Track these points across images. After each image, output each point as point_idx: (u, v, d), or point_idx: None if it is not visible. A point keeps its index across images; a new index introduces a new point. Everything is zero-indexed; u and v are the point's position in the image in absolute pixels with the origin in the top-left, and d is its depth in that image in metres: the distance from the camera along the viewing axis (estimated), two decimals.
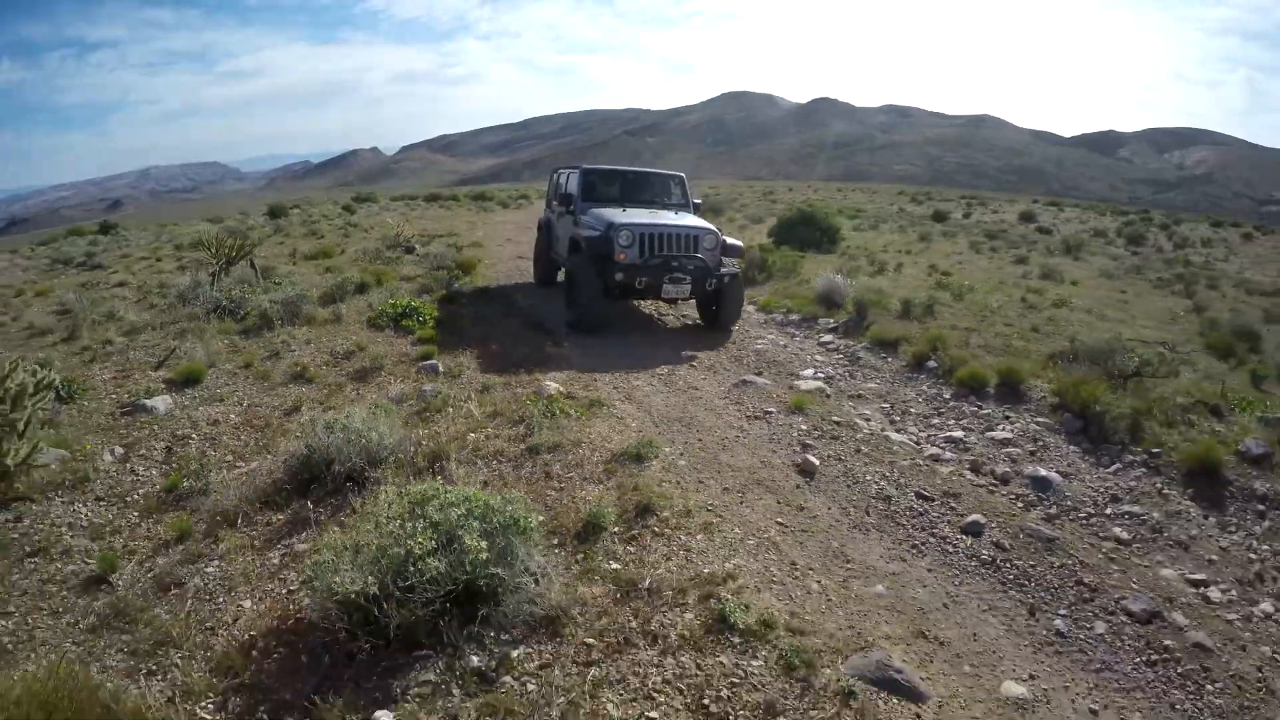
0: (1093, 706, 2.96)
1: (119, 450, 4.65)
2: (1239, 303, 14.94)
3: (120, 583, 3.30)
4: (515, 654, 2.56)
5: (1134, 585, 3.83)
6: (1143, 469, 5.19)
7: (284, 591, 3.04)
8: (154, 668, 2.76)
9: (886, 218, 31.44)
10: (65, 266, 17.43)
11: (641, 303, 9.25)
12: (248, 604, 3.01)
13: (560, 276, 9.94)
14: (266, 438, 4.73)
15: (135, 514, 3.91)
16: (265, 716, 2.41)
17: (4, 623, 3.19)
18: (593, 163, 11.25)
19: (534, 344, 7.13)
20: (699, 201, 9.81)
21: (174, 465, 4.37)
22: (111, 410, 5.36)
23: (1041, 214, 43.48)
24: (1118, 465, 5.24)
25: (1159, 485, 4.99)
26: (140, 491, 4.14)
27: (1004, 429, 5.49)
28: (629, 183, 9.52)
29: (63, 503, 4.10)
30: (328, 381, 5.86)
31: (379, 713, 2.32)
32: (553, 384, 5.51)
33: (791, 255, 12.67)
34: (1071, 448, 5.33)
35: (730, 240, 8.45)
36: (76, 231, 30.99)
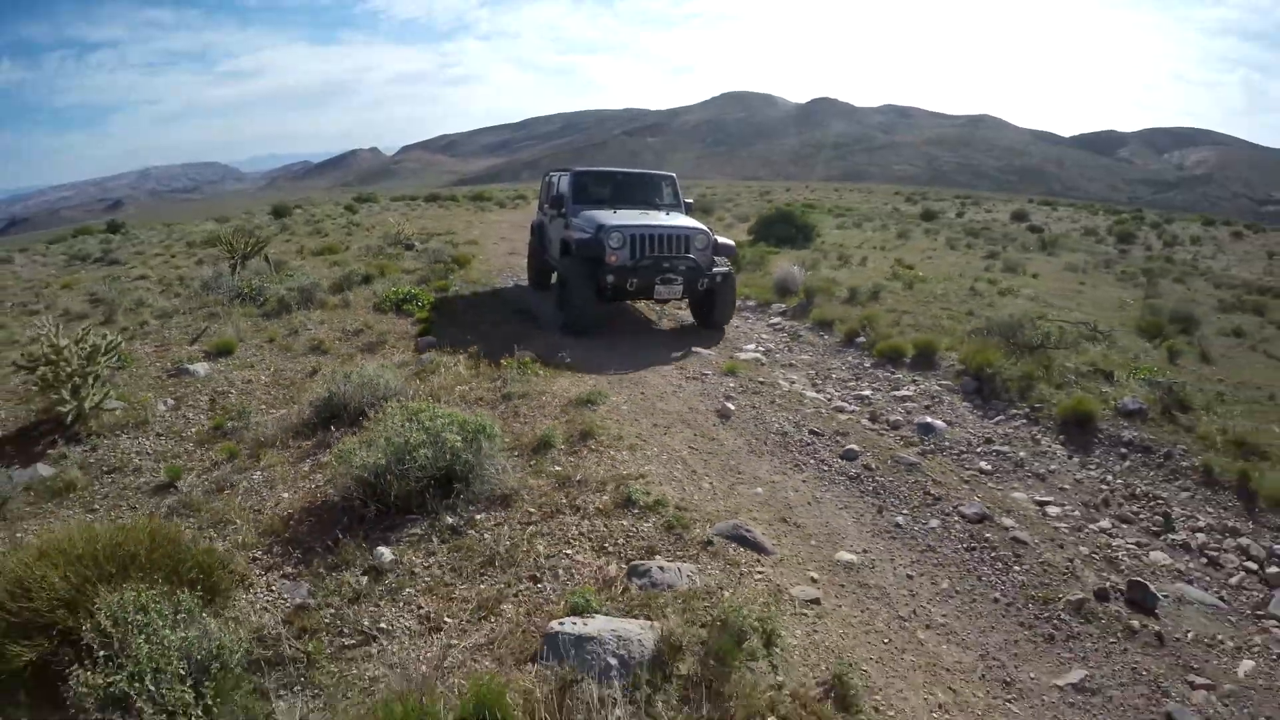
0: (909, 573, 3.98)
1: (170, 401, 5.71)
2: (1201, 295, 15.76)
3: (184, 487, 4.35)
4: (479, 517, 3.62)
5: (976, 498, 4.84)
6: (1023, 420, 6.18)
7: (313, 486, 4.10)
8: (215, 535, 3.81)
9: (875, 216, 32.41)
10: (83, 263, 18.53)
11: (635, 303, 9.48)
12: (286, 495, 4.08)
13: (554, 279, 9.90)
14: (293, 393, 5.79)
15: (190, 444, 4.98)
16: (299, 554, 3.47)
17: (92, 516, 4.25)
18: (588, 164, 11.42)
19: (517, 325, 8.18)
20: (690, 202, 9.95)
21: (218, 411, 5.44)
22: (158, 374, 6.43)
23: (1035, 213, 44.21)
24: (1001, 417, 6.25)
25: (1034, 433, 5.96)
26: (192, 429, 5.20)
27: (908, 389, 6.54)
28: (620, 184, 9.55)
29: (129, 438, 5.16)
30: (341, 352, 6.93)
31: (380, 549, 3.37)
32: (528, 354, 6.56)
33: (763, 250, 13.71)
34: (964, 404, 6.34)
35: (722, 240, 8.51)
36: (84, 231, 32.12)
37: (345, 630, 2.91)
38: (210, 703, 2.28)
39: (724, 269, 8.29)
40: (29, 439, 5.19)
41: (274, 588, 3.26)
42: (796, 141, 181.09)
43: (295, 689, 2.56)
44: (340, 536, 3.44)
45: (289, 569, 3.38)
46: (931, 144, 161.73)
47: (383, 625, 2.93)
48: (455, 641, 2.80)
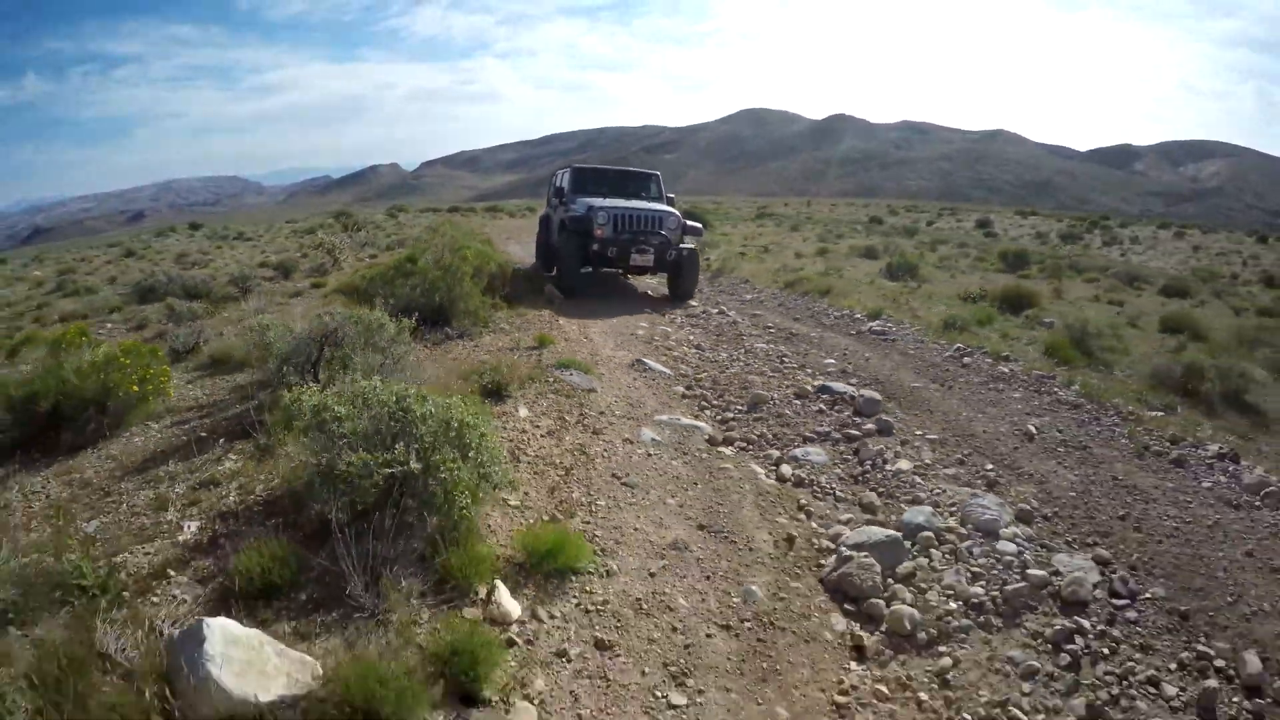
0: (612, 316, 14.20)
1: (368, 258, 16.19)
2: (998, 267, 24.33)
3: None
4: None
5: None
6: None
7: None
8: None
9: (823, 223, 41.92)
10: (225, 240, 29.53)
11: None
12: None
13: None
14: None
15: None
16: None
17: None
18: (582, 163, 13.64)
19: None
20: (673, 196, 11.98)
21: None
22: (356, 262, 16.89)
23: (1002, 222, 49.55)
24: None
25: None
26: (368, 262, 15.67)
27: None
28: (613, 179, 11.65)
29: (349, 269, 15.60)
30: None
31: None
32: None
33: None
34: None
35: (691, 222, 10.29)
36: (169, 229, 43.11)
37: None
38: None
39: (690, 246, 10.08)
40: (318, 271, 15.55)
41: None
42: (812, 158, 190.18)
43: None
44: None
45: None
46: (946, 159, 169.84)
47: None
48: None
